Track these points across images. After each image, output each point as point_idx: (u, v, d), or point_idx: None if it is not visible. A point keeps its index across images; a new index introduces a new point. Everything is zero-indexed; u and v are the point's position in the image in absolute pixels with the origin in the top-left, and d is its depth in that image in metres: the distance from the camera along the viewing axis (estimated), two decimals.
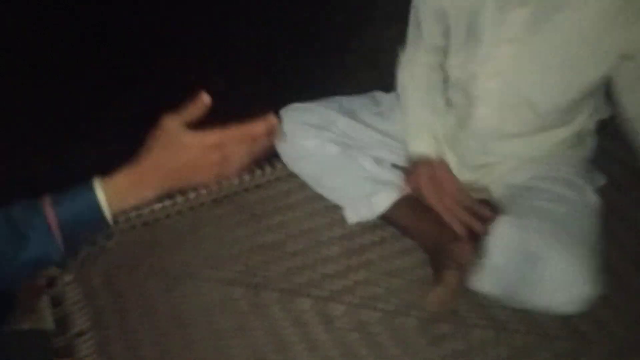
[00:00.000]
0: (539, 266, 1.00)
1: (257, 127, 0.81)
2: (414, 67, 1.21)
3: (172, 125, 0.79)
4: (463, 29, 1.07)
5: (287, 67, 1.73)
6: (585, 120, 1.14)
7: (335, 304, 1.18)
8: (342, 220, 1.32)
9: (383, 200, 1.20)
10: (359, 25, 1.73)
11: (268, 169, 1.37)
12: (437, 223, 1.15)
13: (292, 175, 1.38)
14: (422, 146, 1.20)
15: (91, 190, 0.77)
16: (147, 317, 1.17)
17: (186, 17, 1.92)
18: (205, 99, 0.81)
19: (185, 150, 0.79)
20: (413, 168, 1.20)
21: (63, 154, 1.46)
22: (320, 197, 1.35)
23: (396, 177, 1.22)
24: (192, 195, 1.31)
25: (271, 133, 0.82)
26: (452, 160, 1.22)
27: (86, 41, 1.85)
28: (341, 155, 1.22)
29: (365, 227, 1.31)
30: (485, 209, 1.14)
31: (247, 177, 1.34)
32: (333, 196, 1.28)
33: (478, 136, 1.15)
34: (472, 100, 1.11)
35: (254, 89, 1.65)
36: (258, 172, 1.36)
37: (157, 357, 1.12)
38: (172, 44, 1.83)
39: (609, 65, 0.98)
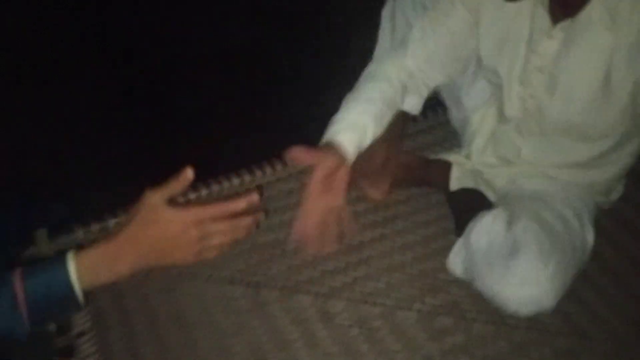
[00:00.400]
0: (514, 259, 1.03)
1: (239, 205, 0.80)
2: (386, 67, 1.09)
3: (153, 200, 0.77)
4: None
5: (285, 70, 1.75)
6: (617, 169, 1.15)
7: (335, 301, 1.18)
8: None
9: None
10: (360, 27, 1.74)
11: (268, 170, 1.37)
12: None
13: (292, 176, 1.39)
14: (347, 140, 0.98)
15: (63, 264, 0.75)
16: (148, 317, 1.17)
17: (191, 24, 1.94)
18: (189, 174, 0.80)
19: (164, 226, 0.77)
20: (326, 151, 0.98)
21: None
22: None
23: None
24: (193, 195, 1.31)
25: (253, 211, 0.80)
26: (485, 144, 1.23)
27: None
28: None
29: (365, 225, 1.31)
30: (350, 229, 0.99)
31: (247, 177, 1.35)
32: None
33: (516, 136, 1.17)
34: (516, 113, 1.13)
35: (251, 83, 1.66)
36: (258, 172, 1.36)
37: (158, 357, 1.12)
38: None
39: (630, 95, 0.98)
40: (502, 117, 1.18)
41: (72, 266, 0.74)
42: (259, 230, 1.30)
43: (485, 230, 1.09)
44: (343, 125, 0.98)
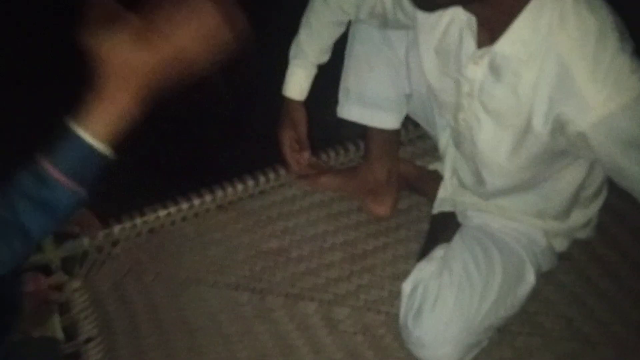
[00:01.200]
0: (417, 319, 1.05)
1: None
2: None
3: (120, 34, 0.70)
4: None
5: None
6: (561, 198, 1.08)
7: (340, 308, 1.20)
8: (346, 226, 1.34)
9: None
10: None
11: (272, 176, 1.38)
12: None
13: (295, 182, 1.40)
14: (294, 88, 1.24)
15: (77, 136, 0.73)
16: (154, 323, 1.18)
17: None
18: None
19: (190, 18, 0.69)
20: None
21: None
22: (324, 204, 1.37)
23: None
24: (196, 201, 1.32)
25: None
26: (452, 176, 1.21)
27: None
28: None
29: (369, 234, 1.33)
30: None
31: (251, 184, 1.36)
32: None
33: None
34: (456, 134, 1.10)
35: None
36: (262, 178, 1.37)
37: None
38: None
39: (550, 133, 0.89)
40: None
41: (86, 136, 0.72)
42: (264, 237, 1.32)
43: (414, 276, 1.10)
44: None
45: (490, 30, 0.86)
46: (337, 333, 1.16)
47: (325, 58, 1.23)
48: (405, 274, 1.23)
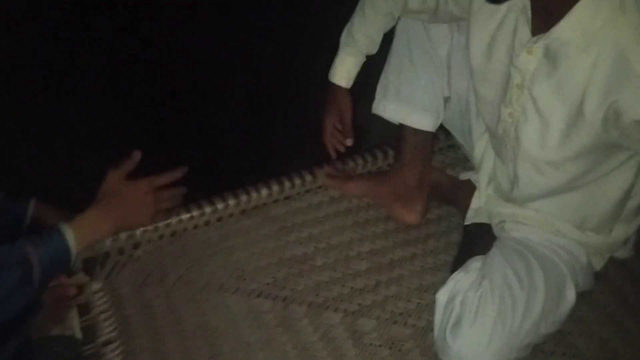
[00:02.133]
0: (455, 331, 1.00)
1: (176, 175, 1.15)
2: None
3: (115, 177, 1.08)
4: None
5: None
6: (606, 204, 1.04)
7: (365, 319, 1.16)
8: (373, 235, 1.30)
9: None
10: None
11: (297, 181, 1.35)
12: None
13: (321, 188, 1.37)
14: (342, 74, 1.23)
15: (62, 235, 0.95)
16: (175, 328, 1.16)
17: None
18: (137, 156, 1.12)
19: (127, 194, 1.07)
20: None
21: None
22: (350, 212, 1.34)
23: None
24: (220, 205, 1.29)
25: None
26: (489, 185, 1.19)
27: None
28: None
29: (396, 243, 1.29)
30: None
31: (276, 189, 1.33)
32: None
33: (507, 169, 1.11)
34: (494, 134, 1.08)
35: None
36: (287, 183, 1.34)
37: None
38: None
39: (602, 122, 0.87)
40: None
41: (70, 235, 0.96)
42: (288, 244, 1.29)
43: (450, 286, 1.06)
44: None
45: (547, 16, 0.86)
46: (362, 345, 1.12)
47: (373, 49, 1.23)
48: (433, 287, 1.20)
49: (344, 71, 1.23)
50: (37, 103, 1.70)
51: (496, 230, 1.17)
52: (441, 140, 1.39)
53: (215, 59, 1.83)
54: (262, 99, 1.74)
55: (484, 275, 1.04)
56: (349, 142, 1.28)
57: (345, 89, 1.24)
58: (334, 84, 1.24)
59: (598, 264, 1.13)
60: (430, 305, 1.17)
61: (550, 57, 0.88)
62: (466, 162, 1.36)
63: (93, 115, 1.66)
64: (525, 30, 0.90)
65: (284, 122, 1.67)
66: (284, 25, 1.93)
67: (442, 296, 1.06)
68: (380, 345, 1.12)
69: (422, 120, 1.23)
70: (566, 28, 0.84)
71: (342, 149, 1.29)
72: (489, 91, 1.02)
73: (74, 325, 1.14)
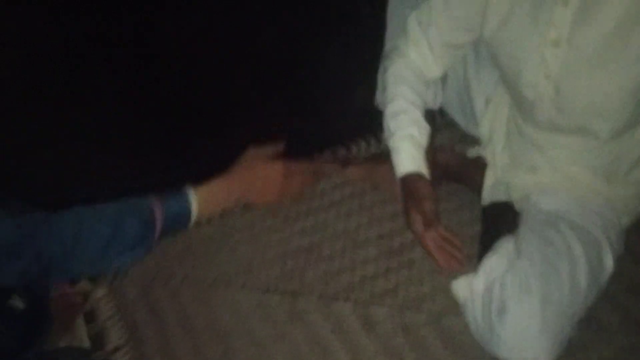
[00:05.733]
0: (502, 316, 0.94)
1: (310, 167, 1.15)
2: (404, 63, 1.09)
3: (254, 153, 1.06)
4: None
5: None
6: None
7: (377, 308, 1.13)
8: (380, 218, 1.26)
9: None
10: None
11: None
12: None
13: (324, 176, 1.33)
14: (408, 163, 1.04)
15: (187, 196, 0.96)
16: (184, 328, 1.14)
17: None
18: (281, 146, 1.11)
19: (263, 171, 1.04)
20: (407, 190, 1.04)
21: None
22: (355, 196, 1.30)
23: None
24: None
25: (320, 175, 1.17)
26: (503, 156, 1.14)
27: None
28: None
29: (405, 225, 1.25)
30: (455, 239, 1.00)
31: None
32: None
33: (532, 131, 1.07)
34: (523, 101, 1.03)
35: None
36: None
37: None
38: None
39: None
40: (513, 110, 1.09)
41: (194, 199, 0.96)
42: (293, 234, 1.26)
43: (484, 273, 0.99)
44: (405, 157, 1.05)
45: None
46: (375, 335, 1.09)
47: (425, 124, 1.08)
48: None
49: (407, 158, 1.04)
50: (46, 106, 1.69)
51: (519, 205, 1.11)
52: (446, 115, 1.34)
53: (220, 56, 1.81)
54: (263, 90, 1.72)
55: (519, 254, 0.99)
56: (440, 229, 1.01)
57: (419, 173, 1.03)
58: (404, 175, 1.04)
59: (626, 221, 1.08)
60: (446, 288, 1.13)
61: (587, 6, 0.86)
62: (466, 141, 1.30)
63: (103, 118, 1.65)
64: None
65: (286, 111, 1.64)
66: (286, 6, 1.90)
67: (478, 285, 1.00)
68: (394, 334, 1.09)
69: None
70: None
71: (459, 256, 1.00)
72: (521, 56, 0.97)
73: (81, 334, 1.13)
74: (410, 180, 1.03)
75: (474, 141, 1.26)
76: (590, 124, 0.98)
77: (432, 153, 1.23)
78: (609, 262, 0.99)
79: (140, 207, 0.92)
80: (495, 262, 1.01)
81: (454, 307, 1.10)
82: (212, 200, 0.99)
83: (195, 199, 0.96)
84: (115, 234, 0.88)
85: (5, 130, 1.55)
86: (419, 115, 1.06)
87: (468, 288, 1.01)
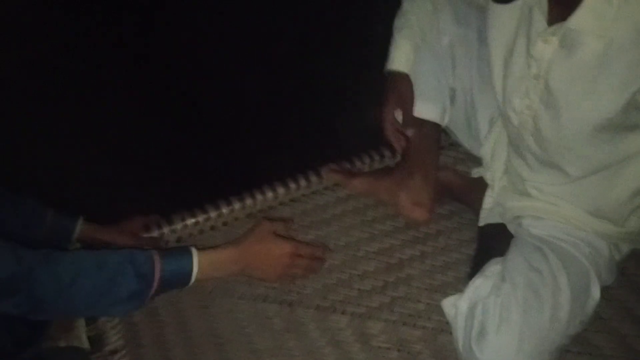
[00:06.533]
0: (482, 341, 0.95)
1: (318, 252, 1.17)
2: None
3: (268, 226, 1.08)
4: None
5: None
6: (621, 191, 1.02)
7: (373, 322, 1.14)
8: (381, 234, 1.28)
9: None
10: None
11: (303, 183, 1.33)
12: None
13: (328, 189, 1.35)
14: (400, 60, 1.18)
15: (190, 258, 0.96)
16: (182, 335, 1.14)
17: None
18: (290, 224, 1.22)
19: (271, 248, 1.06)
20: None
21: None
22: (358, 211, 1.32)
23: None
24: (225, 210, 1.28)
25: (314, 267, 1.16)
26: (503, 179, 1.16)
27: None
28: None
29: (405, 241, 1.26)
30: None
31: (281, 191, 1.31)
32: None
33: (519, 159, 1.09)
34: (510, 127, 1.06)
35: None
36: (293, 185, 1.32)
37: None
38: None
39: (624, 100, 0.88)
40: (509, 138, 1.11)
41: (196, 261, 0.96)
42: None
43: (469, 293, 1.02)
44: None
45: (562, 6, 0.86)
46: (370, 348, 1.10)
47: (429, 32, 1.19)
48: (443, 286, 1.17)
49: (402, 55, 1.18)
50: (53, 110, 1.72)
51: (512, 228, 1.13)
52: (442, 139, 1.35)
53: (228, 61, 1.83)
54: (269, 103, 1.74)
55: (504, 278, 1.00)
56: (410, 132, 1.21)
57: (406, 76, 1.19)
58: (392, 72, 1.19)
59: (617, 256, 1.09)
60: (441, 306, 1.14)
61: (567, 45, 0.88)
62: (470, 161, 1.32)
63: (109, 122, 1.68)
64: (541, 21, 0.91)
65: (291, 123, 1.66)
66: (294, 26, 1.92)
67: (462, 305, 1.02)
68: (389, 348, 1.10)
69: (425, 109, 1.20)
70: (582, 16, 0.84)
71: (404, 143, 1.21)
72: (508, 84, 1.01)
73: (81, 335, 1.14)
74: (400, 79, 1.18)
75: (478, 161, 1.28)
76: (561, 160, 1.00)
77: (435, 172, 1.25)
78: (595, 291, 1.01)
79: (141, 261, 0.92)
80: (481, 283, 1.02)
81: (449, 325, 1.11)
82: (215, 267, 1.00)
83: (197, 262, 0.96)
84: (111, 286, 0.89)
85: (7, 131, 1.57)
86: (426, 32, 1.17)
87: (454, 308, 1.03)
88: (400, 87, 1.19)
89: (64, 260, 0.88)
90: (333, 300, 1.17)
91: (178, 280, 0.96)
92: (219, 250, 1.02)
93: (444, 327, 1.11)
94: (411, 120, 1.19)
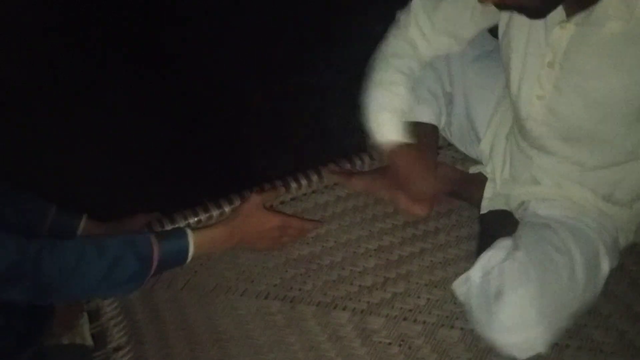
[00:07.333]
0: (498, 303, 0.95)
1: (308, 226, 1.23)
2: (401, 36, 1.15)
3: (256, 201, 1.13)
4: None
5: None
6: (632, 182, 1.04)
7: (374, 317, 1.14)
8: (381, 232, 1.29)
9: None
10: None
11: (304, 182, 1.34)
12: None
13: (328, 188, 1.36)
14: (394, 132, 1.10)
15: (186, 238, 1.01)
16: (184, 332, 1.15)
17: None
18: (281, 190, 1.26)
19: (260, 221, 1.12)
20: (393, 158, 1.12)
21: None
22: (357, 210, 1.33)
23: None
24: (227, 208, 1.29)
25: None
26: (504, 172, 1.17)
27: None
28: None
29: (405, 238, 1.27)
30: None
31: (282, 190, 1.32)
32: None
33: (526, 146, 1.11)
34: (519, 116, 1.07)
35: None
36: (294, 184, 1.33)
37: None
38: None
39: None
40: (514, 127, 1.13)
41: (192, 241, 1.01)
42: (294, 244, 1.28)
43: (481, 264, 1.02)
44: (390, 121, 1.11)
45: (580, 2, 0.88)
46: (371, 344, 1.11)
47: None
48: (443, 282, 1.18)
49: (386, 128, 1.11)
50: (53, 110, 1.73)
51: (518, 214, 1.14)
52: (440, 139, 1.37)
53: (227, 62, 1.84)
54: (270, 102, 1.75)
55: (518, 247, 1.00)
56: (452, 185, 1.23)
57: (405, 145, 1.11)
58: (389, 146, 1.12)
59: (623, 240, 1.10)
60: (441, 301, 1.16)
61: (587, 27, 0.89)
62: (467, 160, 1.33)
63: (111, 122, 1.68)
64: (559, 12, 0.91)
65: (291, 122, 1.67)
66: (294, 25, 1.93)
67: (475, 275, 1.01)
68: (389, 343, 1.10)
69: (422, 112, 1.21)
70: (611, 3, 0.85)
71: (456, 203, 1.23)
72: (521, 77, 1.02)
73: (85, 332, 1.15)
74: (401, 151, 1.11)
75: (475, 162, 1.30)
76: (579, 150, 1.01)
77: (434, 168, 1.26)
78: (605, 266, 1.02)
79: (139, 244, 0.97)
80: (493, 254, 1.02)
81: (449, 320, 1.13)
82: (209, 244, 1.07)
83: (193, 241, 1.02)
84: (112, 269, 0.93)
85: (7, 130, 1.58)
86: (403, 90, 1.12)
87: (466, 284, 1.03)
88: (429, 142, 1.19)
89: (67, 248, 0.91)
90: (334, 297, 1.18)
91: (175, 259, 1.01)
92: (212, 228, 1.08)
93: (444, 322, 1.12)
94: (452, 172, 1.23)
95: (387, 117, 1.11)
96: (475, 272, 1.01)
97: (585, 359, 1.07)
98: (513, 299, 0.94)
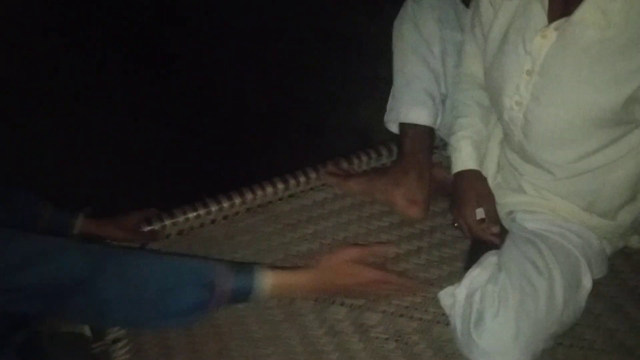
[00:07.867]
0: (478, 327, 0.99)
1: (409, 284, 1.13)
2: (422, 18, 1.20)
3: (351, 254, 1.03)
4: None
5: None
6: (613, 189, 1.06)
7: (371, 313, 1.16)
8: (378, 230, 1.31)
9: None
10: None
11: (302, 179, 1.36)
12: None
13: (326, 185, 1.38)
14: (465, 159, 1.17)
15: (263, 277, 0.93)
16: None
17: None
18: (383, 250, 1.14)
19: (350, 277, 1.02)
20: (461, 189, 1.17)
21: None
22: (355, 207, 1.35)
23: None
24: (226, 204, 1.31)
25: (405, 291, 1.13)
26: (497, 178, 1.20)
27: None
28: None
29: (402, 237, 1.29)
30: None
31: (281, 187, 1.34)
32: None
33: (511, 153, 1.14)
34: (502, 124, 1.11)
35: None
36: (292, 181, 1.35)
37: None
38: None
39: (624, 95, 0.91)
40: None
41: (268, 281, 0.93)
42: (293, 240, 1.29)
43: (467, 282, 1.05)
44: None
45: (565, 2, 0.89)
46: (368, 339, 1.12)
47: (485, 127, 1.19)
48: (439, 280, 1.20)
49: (466, 156, 1.16)
50: (53, 110, 1.73)
51: (506, 223, 1.17)
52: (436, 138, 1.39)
53: (226, 63, 1.85)
54: (268, 102, 1.76)
55: (501, 268, 1.04)
56: (497, 228, 1.15)
57: (478, 172, 1.16)
58: (460, 173, 1.17)
59: (608, 249, 1.13)
60: (436, 298, 1.17)
61: (566, 38, 0.91)
62: None
63: (110, 121, 1.69)
64: (541, 16, 0.93)
65: (290, 121, 1.68)
66: (293, 26, 1.95)
67: (460, 293, 1.05)
68: (386, 339, 1.12)
69: (417, 114, 1.24)
70: (587, 10, 0.87)
71: (498, 240, 1.14)
72: (500, 81, 1.04)
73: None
74: (472, 176, 1.16)
75: None
76: (549, 158, 1.04)
77: (429, 170, 1.29)
78: (587, 281, 1.05)
79: (207, 274, 0.89)
80: (478, 273, 1.06)
81: (444, 317, 1.14)
82: (284, 290, 0.98)
83: (268, 285, 0.94)
84: (176, 293, 0.86)
85: (7, 131, 1.58)
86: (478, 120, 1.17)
87: (452, 297, 1.06)
88: (476, 185, 1.17)
89: (130, 261, 0.85)
90: None
91: (243, 296, 0.94)
92: (295, 272, 1.00)
93: (440, 319, 1.14)
94: (495, 216, 1.16)
95: (464, 145, 1.16)
96: (461, 290, 1.06)
97: (577, 357, 1.10)
98: (491, 326, 0.98)
